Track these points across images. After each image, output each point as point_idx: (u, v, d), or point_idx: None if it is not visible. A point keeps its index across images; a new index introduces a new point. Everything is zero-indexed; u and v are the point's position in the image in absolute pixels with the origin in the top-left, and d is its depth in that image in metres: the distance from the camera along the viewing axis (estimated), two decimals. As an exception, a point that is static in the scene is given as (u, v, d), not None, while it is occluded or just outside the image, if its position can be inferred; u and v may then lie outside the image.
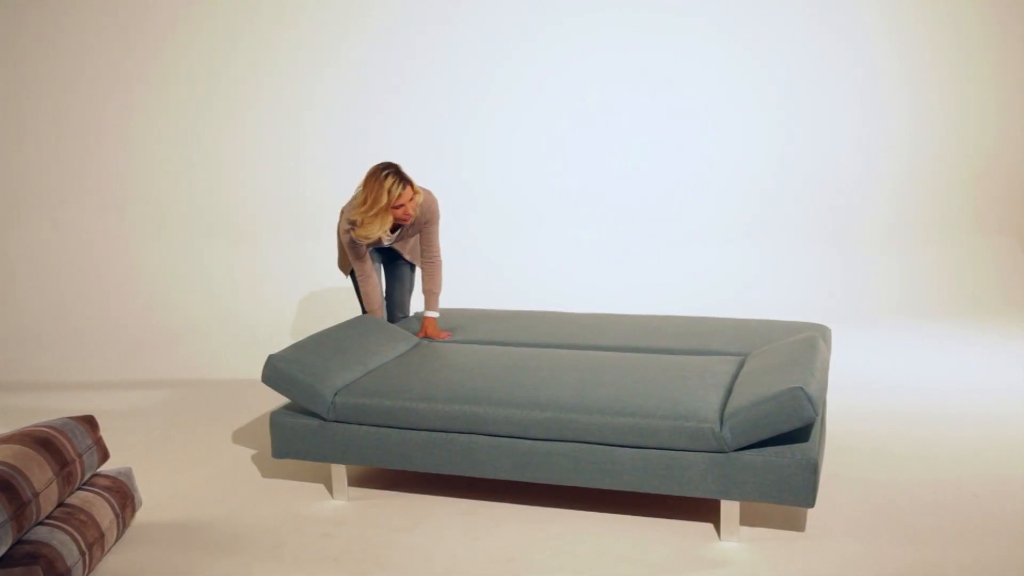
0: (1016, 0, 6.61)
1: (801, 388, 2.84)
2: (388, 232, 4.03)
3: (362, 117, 7.01)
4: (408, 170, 7.02)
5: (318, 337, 3.68)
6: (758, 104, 6.79)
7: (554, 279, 6.74)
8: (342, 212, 4.10)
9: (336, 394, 3.37)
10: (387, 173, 3.87)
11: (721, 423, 2.94)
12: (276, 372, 3.40)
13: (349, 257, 4.19)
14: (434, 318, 4.13)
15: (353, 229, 3.99)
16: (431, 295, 4.17)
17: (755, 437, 2.89)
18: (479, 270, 6.83)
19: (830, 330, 4.02)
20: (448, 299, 6.60)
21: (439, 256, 4.19)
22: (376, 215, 3.86)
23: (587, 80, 6.88)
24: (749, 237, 6.82)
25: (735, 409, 2.93)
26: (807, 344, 3.40)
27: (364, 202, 3.87)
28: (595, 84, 6.88)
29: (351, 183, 7.05)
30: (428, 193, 4.13)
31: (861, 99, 6.76)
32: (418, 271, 4.59)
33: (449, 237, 6.99)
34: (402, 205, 3.91)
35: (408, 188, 3.90)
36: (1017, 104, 6.71)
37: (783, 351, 3.38)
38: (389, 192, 3.85)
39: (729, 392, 3.19)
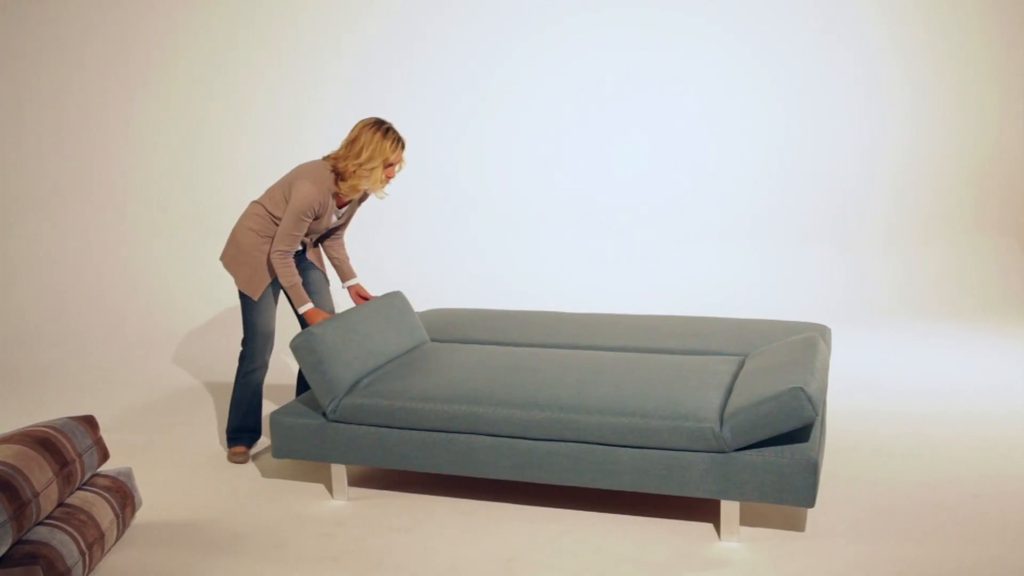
0: (1016, 0, 6.60)
1: (801, 388, 2.84)
2: (337, 209, 3.82)
3: (362, 117, 7.00)
4: (408, 169, 7.04)
5: (354, 316, 3.64)
6: (758, 104, 6.79)
7: (554, 279, 6.74)
8: (292, 187, 3.66)
9: (345, 395, 3.36)
10: (387, 127, 3.64)
11: (721, 423, 2.95)
12: (307, 346, 3.37)
13: (285, 238, 3.65)
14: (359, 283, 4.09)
15: (339, 182, 3.69)
16: (348, 261, 4.08)
17: (755, 437, 2.89)
18: (479, 270, 6.83)
19: (830, 330, 4.02)
20: (449, 299, 6.60)
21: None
22: (374, 168, 3.62)
23: (587, 80, 6.88)
24: (749, 237, 6.82)
25: (735, 409, 2.93)
26: (807, 344, 3.40)
27: (359, 154, 3.60)
28: (595, 84, 6.88)
29: (351, 183, 7.04)
30: None
31: (861, 99, 6.76)
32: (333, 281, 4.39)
33: (449, 237, 6.99)
34: (392, 165, 3.69)
35: (402, 148, 3.70)
36: (1017, 104, 6.71)
37: (783, 351, 3.38)
38: (394, 144, 3.63)
39: (729, 392, 3.19)
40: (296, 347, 3.38)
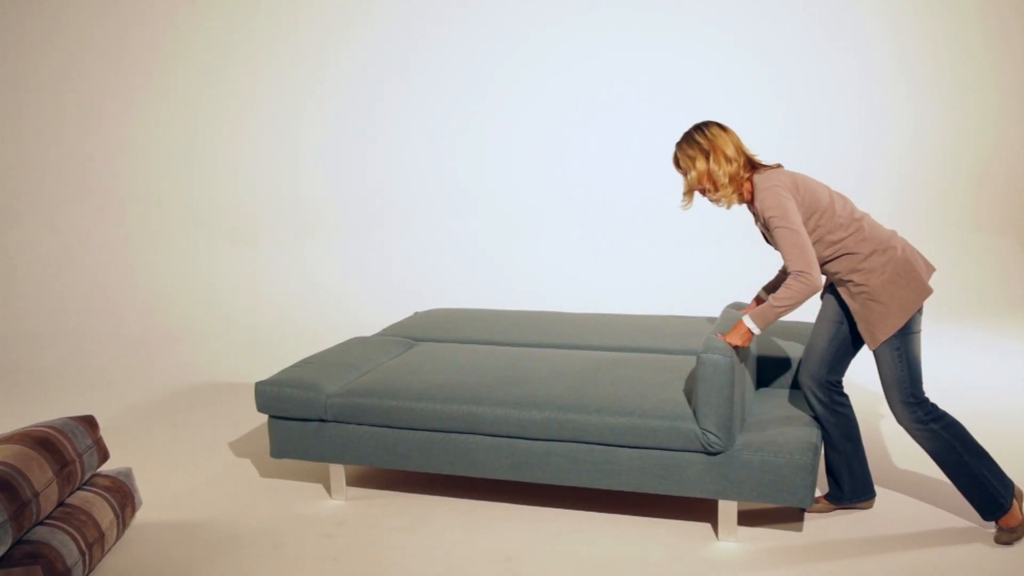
0: (1016, 0, 6.61)
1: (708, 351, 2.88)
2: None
3: (361, 117, 7.01)
4: (408, 170, 7.05)
5: (306, 359, 3.69)
6: (758, 104, 6.80)
7: (554, 279, 6.74)
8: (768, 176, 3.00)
9: (329, 395, 3.37)
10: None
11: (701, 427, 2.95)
12: (267, 397, 3.41)
13: (800, 232, 2.89)
14: (750, 328, 2.98)
15: (709, 191, 3.07)
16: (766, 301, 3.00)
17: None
18: (479, 270, 6.83)
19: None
20: (448, 299, 6.61)
21: (800, 272, 2.87)
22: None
23: (587, 80, 6.88)
24: (748, 237, 6.82)
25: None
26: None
27: (730, 160, 3.01)
28: (595, 84, 6.88)
29: (351, 183, 7.07)
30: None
31: (861, 99, 6.76)
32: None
33: (449, 237, 6.99)
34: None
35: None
36: (1017, 104, 6.71)
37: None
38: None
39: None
40: (261, 409, 3.44)
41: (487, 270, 6.83)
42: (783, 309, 2.89)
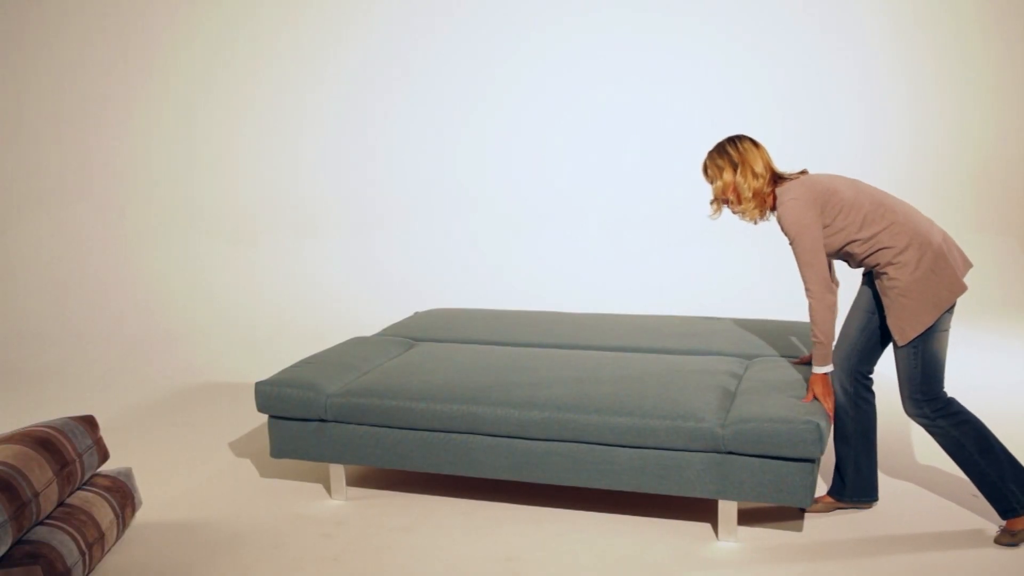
0: (1016, 0, 6.61)
1: (817, 424, 2.83)
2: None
3: (361, 117, 7.01)
4: (408, 169, 7.05)
5: (306, 359, 3.69)
6: (757, 104, 6.79)
7: (554, 279, 6.74)
8: (787, 189, 3.05)
9: (329, 395, 3.37)
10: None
11: (724, 423, 2.94)
12: (267, 397, 3.40)
13: (812, 251, 2.97)
14: (819, 374, 3.03)
15: (732, 203, 3.11)
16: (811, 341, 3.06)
17: (755, 449, 2.88)
18: (479, 270, 6.83)
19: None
20: (449, 299, 6.60)
21: (807, 289, 3.03)
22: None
23: (587, 80, 6.88)
24: (749, 237, 6.82)
25: (746, 416, 2.92)
26: None
27: (757, 176, 3.07)
28: (595, 84, 6.88)
29: (351, 183, 7.07)
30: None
31: (861, 99, 6.76)
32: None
33: (449, 237, 6.99)
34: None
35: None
36: (1017, 104, 6.70)
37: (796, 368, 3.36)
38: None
39: (728, 393, 3.19)
40: (261, 409, 3.42)
41: (487, 270, 6.83)
42: (822, 337, 2.97)
